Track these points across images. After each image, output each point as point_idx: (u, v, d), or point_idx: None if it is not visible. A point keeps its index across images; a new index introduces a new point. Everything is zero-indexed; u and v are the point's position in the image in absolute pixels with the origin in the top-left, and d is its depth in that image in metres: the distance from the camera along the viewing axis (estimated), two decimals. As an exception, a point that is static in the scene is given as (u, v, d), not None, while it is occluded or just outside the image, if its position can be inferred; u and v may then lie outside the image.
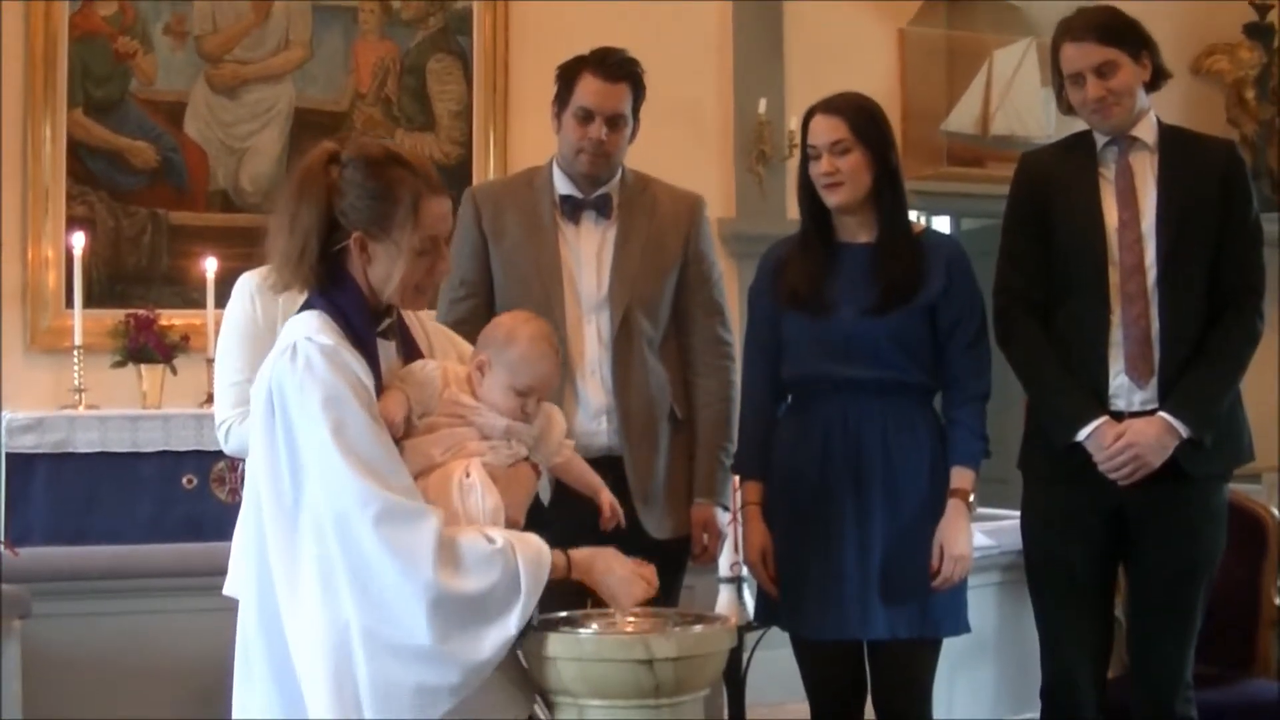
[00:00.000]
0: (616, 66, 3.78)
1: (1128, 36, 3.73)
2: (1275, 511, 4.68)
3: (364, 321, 2.82)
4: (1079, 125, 3.88)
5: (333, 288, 2.81)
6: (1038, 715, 3.90)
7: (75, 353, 6.20)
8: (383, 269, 2.80)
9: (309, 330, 2.74)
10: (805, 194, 3.71)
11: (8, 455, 5.91)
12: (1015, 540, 3.98)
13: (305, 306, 2.83)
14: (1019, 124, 8.10)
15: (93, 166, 6.67)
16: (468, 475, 2.81)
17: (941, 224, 8.83)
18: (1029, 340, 3.77)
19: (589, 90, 3.76)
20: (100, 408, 6.16)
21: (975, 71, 8.18)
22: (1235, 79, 8.79)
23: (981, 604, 4.27)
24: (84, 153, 6.65)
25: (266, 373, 2.77)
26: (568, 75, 3.81)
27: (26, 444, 5.90)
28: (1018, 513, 3.92)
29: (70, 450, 5.95)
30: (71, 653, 4.14)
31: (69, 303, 6.38)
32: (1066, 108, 3.83)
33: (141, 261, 6.74)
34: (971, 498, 3.61)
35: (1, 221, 6.42)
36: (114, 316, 6.41)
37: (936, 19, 8.30)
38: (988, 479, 3.75)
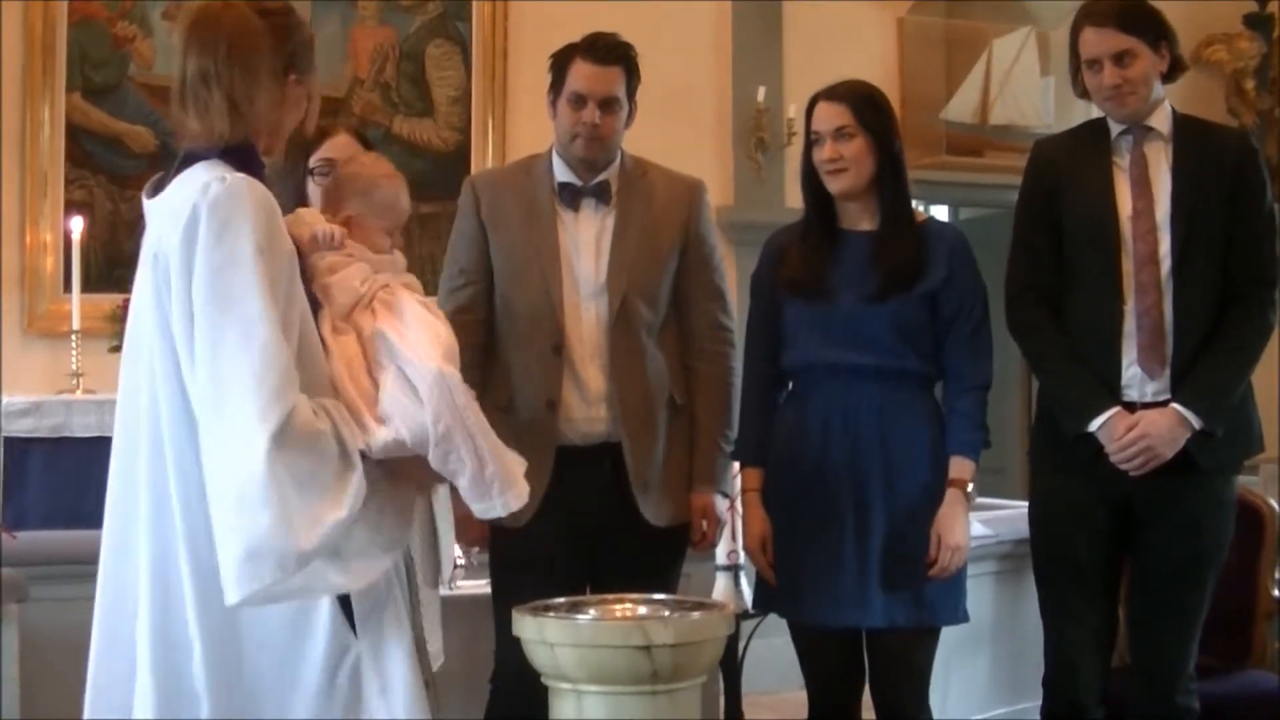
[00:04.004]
0: (607, 50, 3.78)
1: (1149, 26, 3.72)
2: (1273, 503, 4.67)
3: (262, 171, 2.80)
4: (1079, 115, 3.87)
5: (237, 145, 2.75)
6: (1033, 705, 3.90)
7: (73, 337, 6.17)
8: (295, 111, 2.85)
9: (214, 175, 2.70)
10: (808, 181, 3.71)
11: (4, 439, 5.89)
12: (1013, 530, 3.98)
13: (186, 162, 2.79)
14: (1018, 113, 8.09)
15: (91, 151, 6.65)
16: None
17: (940, 213, 8.80)
18: (1041, 330, 3.75)
19: (581, 75, 3.76)
20: (97, 392, 6.13)
21: (974, 61, 8.16)
22: (1234, 69, 8.78)
23: (978, 594, 4.27)
24: (82, 137, 6.62)
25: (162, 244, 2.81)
26: (560, 62, 3.82)
27: (23, 428, 5.88)
28: (1015, 502, 3.92)
29: (67, 434, 5.92)
30: (69, 637, 4.11)
31: (67, 287, 6.35)
32: (1081, 91, 3.81)
33: (139, 246, 6.71)
34: (971, 488, 3.60)
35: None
36: (111, 301, 6.37)
37: (935, 7, 8.29)
38: (985, 469, 3.74)
